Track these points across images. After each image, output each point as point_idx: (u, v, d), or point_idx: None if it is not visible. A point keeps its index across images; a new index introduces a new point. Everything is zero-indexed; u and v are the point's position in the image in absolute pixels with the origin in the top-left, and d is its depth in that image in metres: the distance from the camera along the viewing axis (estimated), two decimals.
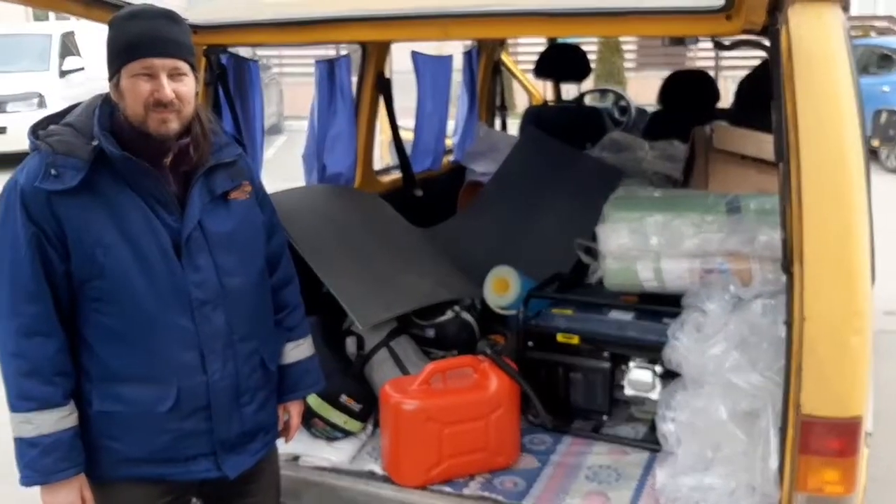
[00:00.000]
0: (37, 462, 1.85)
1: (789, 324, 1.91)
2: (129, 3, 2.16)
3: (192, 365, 1.93)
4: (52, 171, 1.79)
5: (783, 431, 1.97)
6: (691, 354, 2.33)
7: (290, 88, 13.72)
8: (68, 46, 12.92)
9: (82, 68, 12.93)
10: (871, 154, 10.70)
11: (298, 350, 2.25)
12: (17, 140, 11.83)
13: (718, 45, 2.18)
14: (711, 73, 5.02)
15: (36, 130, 1.89)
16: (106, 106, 1.89)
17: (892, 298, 5.83)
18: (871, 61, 11.82)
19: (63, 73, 12.59)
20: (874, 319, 2.14)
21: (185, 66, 1.85)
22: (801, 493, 1.94)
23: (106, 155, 1.82)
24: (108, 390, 1.91)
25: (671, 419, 2.33)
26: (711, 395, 2.24)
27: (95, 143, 1.83)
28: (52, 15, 21.30)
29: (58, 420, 1.85)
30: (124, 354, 1.90)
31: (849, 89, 1.89)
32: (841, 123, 1.84)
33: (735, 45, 2.09)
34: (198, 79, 1.95)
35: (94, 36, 13.83)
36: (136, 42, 1.80)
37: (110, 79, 1.86)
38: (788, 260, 1.89)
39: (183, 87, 1.84)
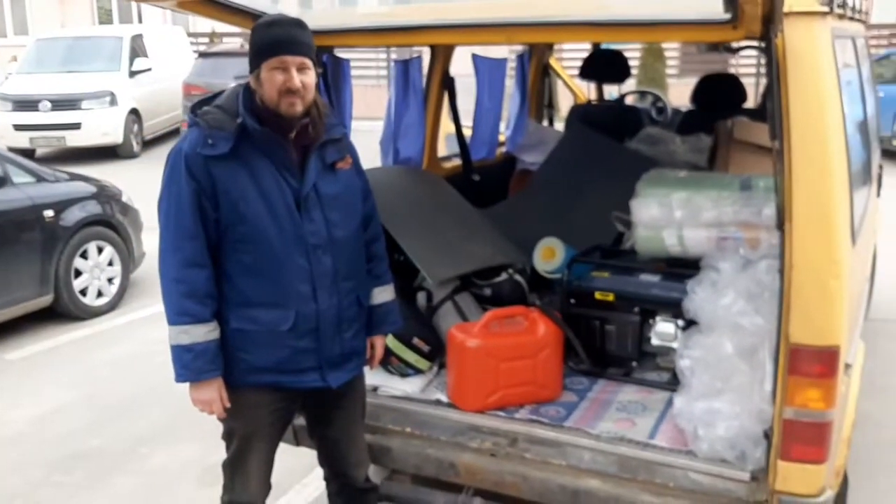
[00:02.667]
0: (190, 364, 2.41)
1: (781, 271, 2.40)
2: (264, 13, 2.73)
3: (306, 295, 2.48)
4: (210, 141, 2.36)
5: (776, 359, 2.46)
6: (706, 304, 2.81)
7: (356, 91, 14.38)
8: (137, 49, 13.65)
9: (150, 69, 13.68)
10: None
11: (384, 294, 2.79)
12: (91, 135, 12.76)
13: (728, 49, 2.68)
14: (753, 80, 5.42)
15: (194, 110, 2.46)
16: (247, 92, 2.45)
17: None
18: None
19: (132, 74, 13.32)
20: (863, 280, 2.60)
21: (309, 63, 2.40)
22: (790, 407, 2.42)
23: (248, 129, 2.39)
24: (242, 313, 2.46)
25: (687, 356, 2.81)
26: (721, 336, 2.72)
27: (240, 120, 2.39)
28: (117, 17, 22.37)
29: (207, 332, 2.41)
30: (257, 284, 2.45)
31: (832, 85, 2.38)
32: (823, 111, 2.33)
33: (741, 49, 2.60)
34: (317, 73, 2.51)
35: (160, 39, 14.66)
36: (275, 43, 2.36)
37: (251, 71, 2.42)
38: (781, 220, 2.38)
39: (307, 78, 2.40)
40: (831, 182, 2.33)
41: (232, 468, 2.66)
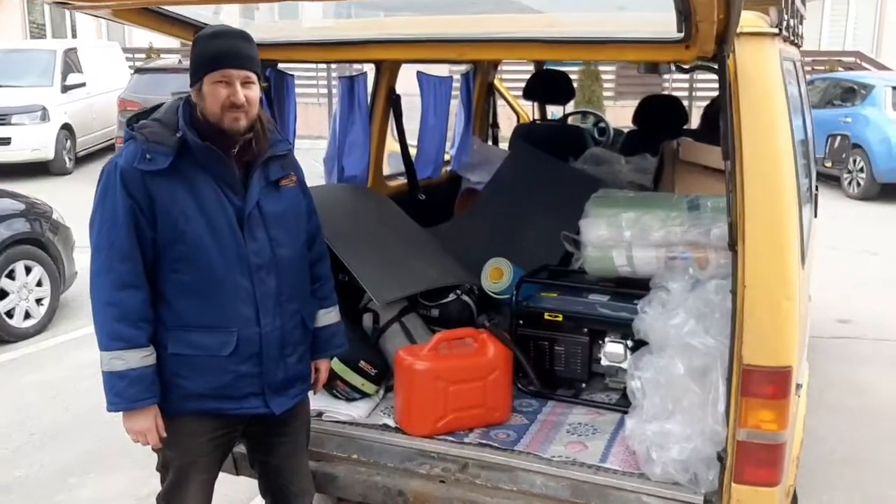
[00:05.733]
0: (124, 391, 2.28)
1: (734, 291, 2.38)
2: (205, 24, 2.62)
3: (249, 318, 2.37)
4: (147, 156, 2.25)
5: (729, 380, 2.44)
6: (656, 324, 2.78)
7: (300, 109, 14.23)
8: (70, 63, 13.30)
9: (84, 84, 13.32)
10: (832, 179, 11.29)
11: (328, 316, 2.70)
12: (21, 151, 12.31)
13: (680, 69, 2.68)
14: (685, 101, 5.53)
15: (130, 123, 2.35)
16: (187, 106, 2.34)
17: (844, 307, 6.40)
18: (835, 94, 12.47)
19: (65, 89, 12.95)
20: (809, 303, 2.61)
21: (254, 76, 2.31)
22: (743, 428, 2.40)
23: (188, 144, 2.28)
24: (180, 336, 2.34)
25: (638, 377, 2.78)
26: (672, 356, 2.69)
27: (180, 134, 2.28)
28: (50, 32, 21.79)
29: (142, 357, 2.29)
30: (196, 306, 2.34)
31: (782, 105, 2.39)
32: (774, 130, 2.33)
33: (693, 69, 2.59)
34: (262, 87, 2.41)
35: (95, 54, 14.30)
36: (219, 55, 2.26)
37: (192, 84, 2.31)
38: (733, 239, 2.37)
39: (251, 93, 2.30)
40: (783, 201, 2.33)
41: (167, 502, 2.52)
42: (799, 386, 2.60)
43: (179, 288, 2.33)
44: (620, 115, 5.99)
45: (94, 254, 2.29)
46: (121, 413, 2.31)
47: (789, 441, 2.50)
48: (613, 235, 3.05)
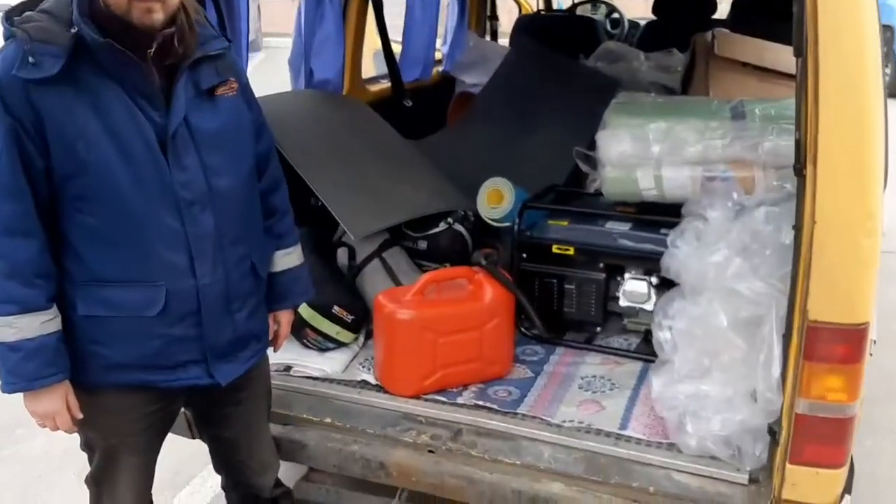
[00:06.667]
0: (20, 367, 1.79)
1: (798, 228, 1.85)
2: None
3: (180, 268, 1.86)
4: (30, 59, 1.68)
5: (787, 338, 1.94)
6: (691, 262, 2.27)
7: (268, 3, 13.29)
8: None
9: None
10: None
11: (288, 258, 2.18)
12: None
13: None
14: None
15: (10, 17, 1.76)
16: None
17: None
18: None
19: None
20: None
21: None
22: (804, 399, 1.91)
23: (86, 43, 1.71)
24: (93, 294, 1.84)
25: (668, 327, 2.29)
26: (711, 302, 2.19)
27: (75, 30, 1.71)
28: None
29: (41, 324, 1.78)
30: (109, 256, 1.82)
31: None
32: (860, 17, 1.75)
33: None
34: None
35: None
36: None
37: None
38: (801, 161, 1.82)
39: None
40: (870, 111, 1.76)
41: (97, 486, 2.09)
42: (874, 343, 2.10)
43: (87, 233, 1.81)
44: (631, 6, 5.36)
45: None
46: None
47: (859, 411, 2.02)
48: (638, 151, 2.51)
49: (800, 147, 1.82)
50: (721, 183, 2.43)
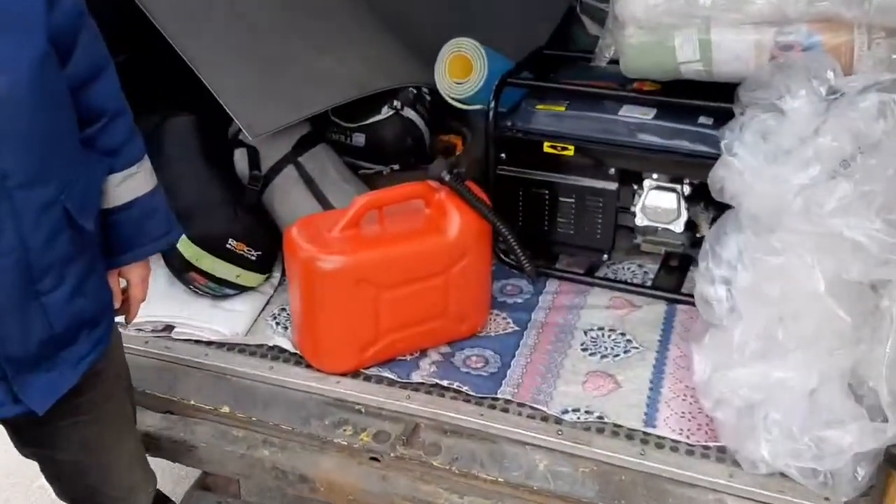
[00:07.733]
0: None
1: None
2: None
3: None
4: None
5: None
6: (758, 180, 1.50)
7: None
8: None
9: None
10: None
11: (130, 183, 1.39)
12: None
13: None
14: None
15: None
16: None
17: None
18: None
19: None
20: None
21: None
22: None
23: None
24: None
25: (722, 280, 1.54)
26: (794, 248, 1.44)
27: None
28: None
29: None
30: None
31: None
32: None
33: None
34: None
35: None
36: None
37: None
38: None
39: None
40: None
41: None
42: None
43: None
44: None
45: None
46: None
47: None
48: (678, 5, 1.66)
49: None
50: (802, 53, 1.62)
